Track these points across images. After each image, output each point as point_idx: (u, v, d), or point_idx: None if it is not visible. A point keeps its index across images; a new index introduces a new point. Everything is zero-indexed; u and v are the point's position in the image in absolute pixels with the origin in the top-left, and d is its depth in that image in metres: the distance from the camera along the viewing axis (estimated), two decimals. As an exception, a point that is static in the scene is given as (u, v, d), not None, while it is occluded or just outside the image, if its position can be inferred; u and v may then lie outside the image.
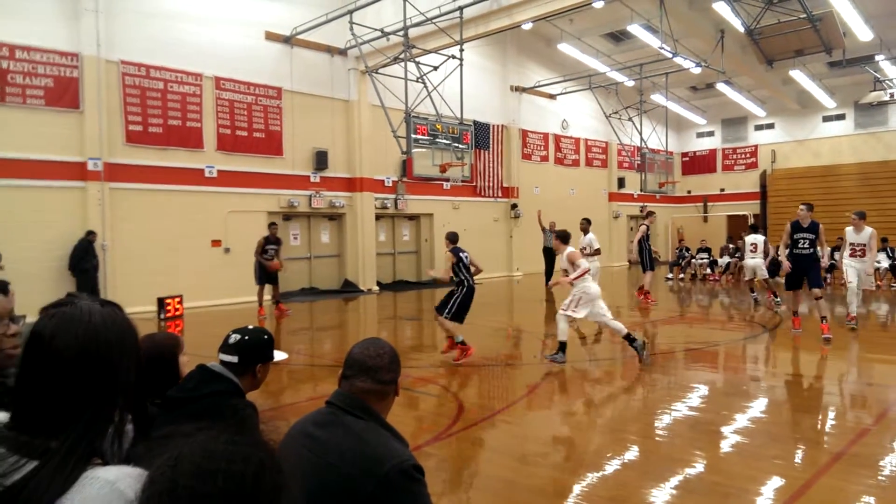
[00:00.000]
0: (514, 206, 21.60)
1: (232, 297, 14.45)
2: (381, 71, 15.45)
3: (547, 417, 5.84)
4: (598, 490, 4.12)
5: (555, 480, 4.24)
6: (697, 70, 19.62)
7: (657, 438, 5.11)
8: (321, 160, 16.41)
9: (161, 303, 12.41)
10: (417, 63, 14.41)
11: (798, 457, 4.58)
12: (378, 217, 17.98)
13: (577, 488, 4.12)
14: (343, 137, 17.10)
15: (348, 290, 16.93)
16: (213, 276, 14.36)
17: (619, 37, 21.04)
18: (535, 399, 6.36)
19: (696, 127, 29.39)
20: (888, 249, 16.71)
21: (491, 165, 20.96)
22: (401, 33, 14.24)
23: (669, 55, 17.19)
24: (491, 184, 20.97)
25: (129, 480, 1.06)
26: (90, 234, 12.43)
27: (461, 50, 14.18)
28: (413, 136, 13.52)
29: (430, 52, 14.90)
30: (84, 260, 12.27)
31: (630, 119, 22.20)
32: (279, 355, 2.71)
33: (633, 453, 4.74)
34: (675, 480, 4.18)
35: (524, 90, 22.03)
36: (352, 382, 1.86)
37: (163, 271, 13.40)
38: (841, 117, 25.56)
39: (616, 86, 22.63)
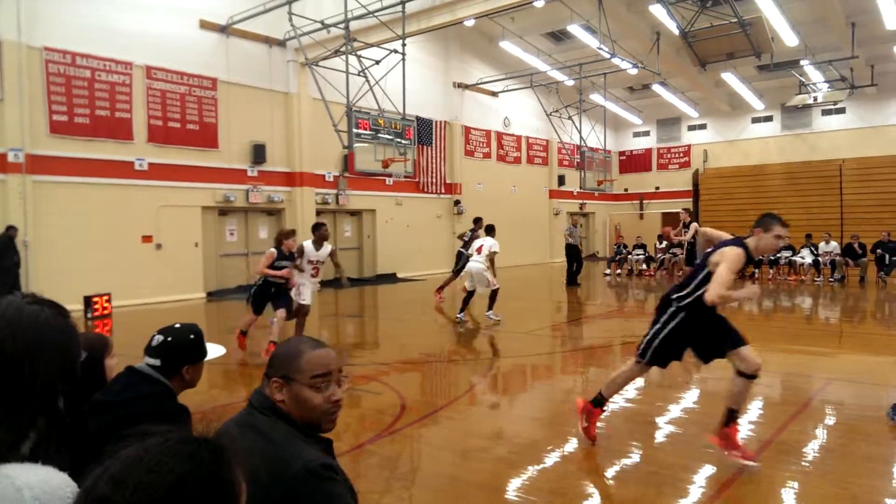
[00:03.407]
0: (457, 203, 21.66)
1: (164, 295, 13.93)
2: (321, 64, 15.18)
3: (489, 412, 5.86)
4: (539, 483, 4.15)
5: (497, 475, 4.24)
6: (634, 71, 20.16)
7: (596, 431, 5.19)
8: (259, 154, 15.99)
9: (88, 301, 11.84)
10: (359, 57, 14.23)
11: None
12: (319, 212, 17.66)
13: (518, 482, 4.13)
14: (282, 131, 16.71)
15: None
16: (143, 273, 13.79)
17: (559, 36, 21.37)
18: (477, 394, 6.37)
19: (633, 126, 30.22)
20: (811, 246, 17.61)
21: (434, 161, 20.95)
22: (342, 26, 14.02)
23: (608, 56, 17.59)
24: (434, 180, 20.95)
25: (33, 480, 1.00)
26: (10, 230, 11.70)
27: (403, 45, 14.10)
28: (355, 130, 13.35)
29: (371, 45, 14.75)
30: (4, 257, 11.53)
31: (570, 118, 22.62)
32: (215, 350, 2.61)
33: (572, 445, 4.80)
34: (612, 471, 4.25)
35: (467, 87, 22.11)
36: (267, 381, 1.78)
37: (90, 268, 12.76)
38: (769, 119, 26.79)
39: (556, 85, 23.00)
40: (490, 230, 11.22)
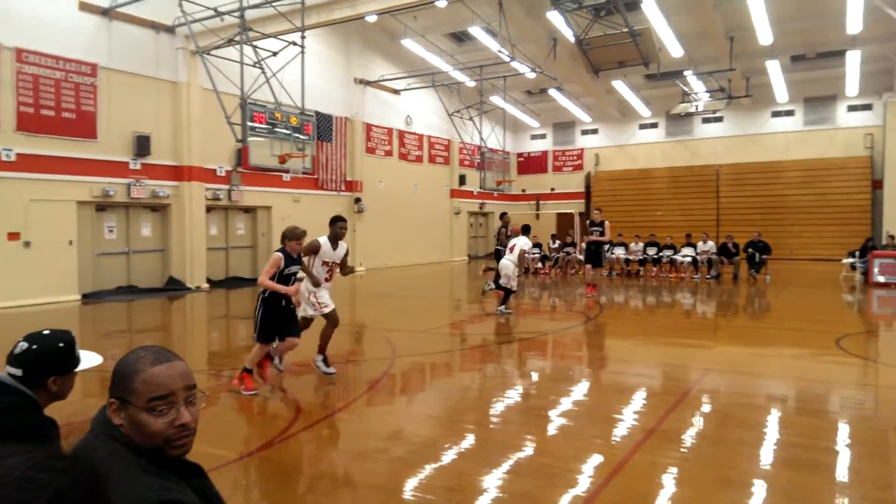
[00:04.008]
0: (357, 201, 21.38)
1: (33, 297, 12.76)
2: (214, 53, 14.45)
3: (387, 412, 5.78)
4: (435, 481, 4.13)
5: (394, 475, 4.18)
6: (533, 75, 20.77)
7: (491, 426, 5.25)
8: (143, 146, 14.99)
9: (-60, 305, 10.62)
10: (255, 47, 13.68)
11: (616, 435, 4.93)
12: (209, 209, 16.83)
13: (415, 481, 4.09)
14: (169, 122, 15.76)
15: (173, 287, 15.64)
16: (9, 273, 12.55)
17: (461, 37, 21.64)
18: (375, 395, 6.27)
19: (531, 129, 31.16)
20: (692, 245, 18.87)
21: (334, 158, 20.56)
22: (236, 14, 13.42)
23: (507, 59, 17.99)
24: (334, 177, 20.56)
25: None
26: None
27: (303, 37, 13.70)
28: (249, 123, 12.80)
29: (268, 36, 14.21)
30: None
31: (471, 118, 22.95)
32: (91, 359, 2.34)
33: (469, 442, 4.83)
34: (507, 465, 4.30)
35: (368, 83, 21.87)
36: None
37: (-57, 268, 11.46)
38: (655, 126, 28.48)
39: (458, 85, 23.27)
40: (525, 230, 11.84)
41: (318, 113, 18.14)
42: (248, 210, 18.45)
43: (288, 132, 13.41)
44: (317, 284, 6.56)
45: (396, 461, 4.43)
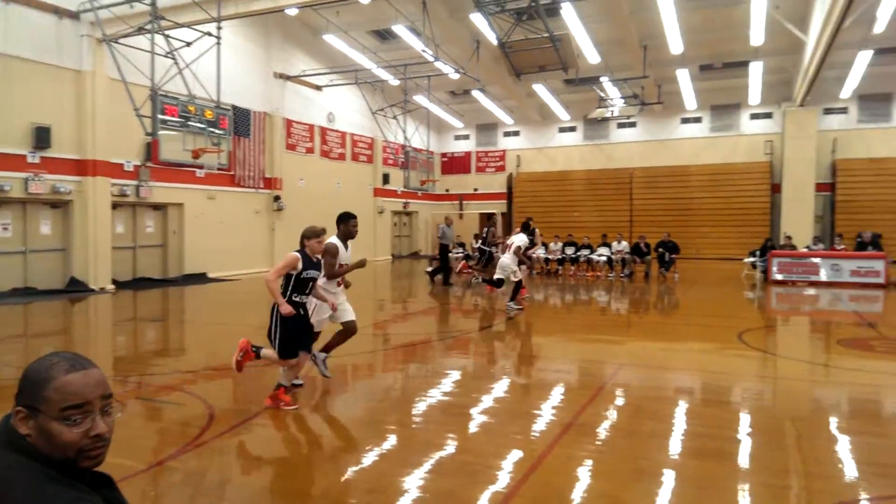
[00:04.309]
0: (276, 198, 20.82)
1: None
2: (122, 41, 13.68)
3: (307, 416, 5.64)
4: (358, 483, 4.06)
5: (314, 480, 4.08)
6: (456, 76, 20.90)
7: (413, 426, 5.23)
8: (42, 138, 13.97)
9: None
10: (167, 37, 13.05)
11: (535, 431, 5.02)
12: (115, 206, 15.89)
13: (335, 484, 4.00)
14: (72, 113, 14.77)
15: (75, 289, 14.66)
16: None
17: (385, 35, 21.50)
18: (294, 398, 6.10)
19: (454, 130, 31.39)
20: (608, 245, 19.56)
21: (252, 154, 19.92)
22: (147, 1, 12.75)
23: (431, 59, 18.03)
24: (252, 174, 19.93)
25: None
26: None
27: (219, 28, 13.19)
28: (160, 116, 12.22)
29: (182, 26, 13.59)
30: None
31: (395, 117, 22.84)
32: None
33: (390, 443, 4.78)
34: (429, 465, 4.29)
35: (289, 78, 21.34)
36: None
37: None
38: (573, 129, 29.35)
39: (382, 83, 23.11)
40: (525, 227, 12.50)
41: (235, 107, 17.55)
42: (158, 207, 17.57)
43: (202, 126, 12.89)
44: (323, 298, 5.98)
45: (316, 465, 4.33)
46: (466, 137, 31.64)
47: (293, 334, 5.41)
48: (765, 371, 7.62)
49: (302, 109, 22.34)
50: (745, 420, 5.38)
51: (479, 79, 21.39)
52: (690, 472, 4.21)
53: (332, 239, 6.05)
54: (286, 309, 5.27)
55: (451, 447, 4.67)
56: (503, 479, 4.05)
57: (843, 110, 24.94)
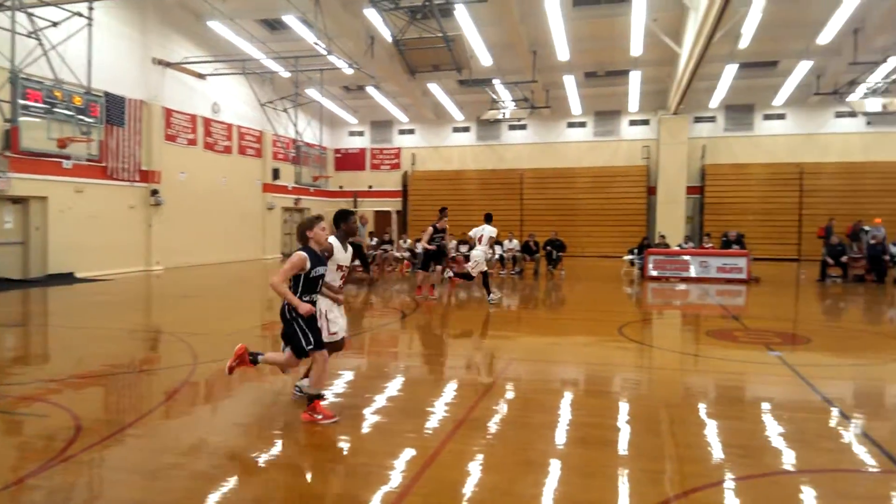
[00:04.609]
0: (154, 192, 19.53)
1: None
2: (-27, 14, 12.30)
3: (187, 424, 5.31)
4: (242, 493, 3.87)
5: (193, 492, 3.83)
6: (350, 71, 20.60)
7: (305, 430, 5.06)
8: None
9: None
10: (30, 15, 11.87)
11: (428, 428, 5.02)
12: (-31, 198, 14.28)
13: (218, 497, 3.79)
14: (-88, 92, 13.08)
15: (-79, 290, 13.04)
16: None
17: (274, 25, 20.76)
18: (174, 406, 5.74)
19: (349, 126, 30.97)
20: (500, 243, 20.06)
21: (127, 145, 18.55)
22: (3, -29, 11.55)
23: (324, 52, 17.63)
24: (126, 166, 18.56)
25: None
26: None
27: (90, 8, 12.21)
28: (22, 101, 11.11)
29: (48, 4, 12.41)
30: None
31: (286, 110, 22.16)
32: None
33: (277, 449, 4.60)
34: (321, 469, 4.17)
35: (169, 65, 20.08)
36: None
37: None
38: (467, 129, 29.85)
39: (272, 75, 22.32)
40: (488, 219, 12.90)
41: (107, 94, 16.29)
42: (19, 201, 15.92)
43: (70, 113, 11.87)
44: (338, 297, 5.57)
45: (197, 477, 4.08)
46: (361, 134, 31.30)
47: (317, 329, 5.09)
48: (642, 361, 8.10)
49: (184, 98, 21.10)
50: (624, 409, 5.67)
51: (374, 75, 21.23)
52: (576, 460, 4.37)
53: (332, 239, 5.53)
54: (306, 308, 4.86)
55: (343, 449, 4.57)
56: (396, 478, 4.01)
57: (712, 119, 27.15)
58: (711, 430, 5.09)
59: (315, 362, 5.07)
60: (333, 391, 6.17)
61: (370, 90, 25.67)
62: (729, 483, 3.98)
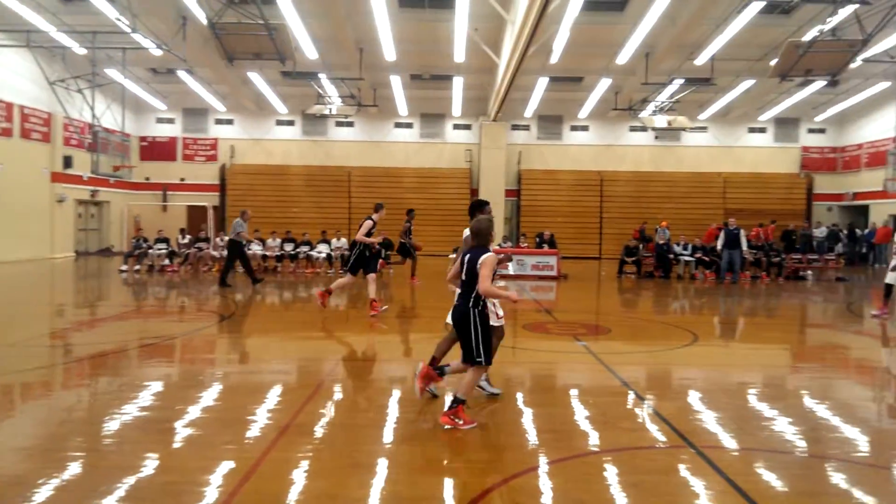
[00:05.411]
0: None
1: None
2: None
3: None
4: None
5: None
6: (158, 52, 18.91)
7: (102, 449, 4.49)
8: None
9: None
10: None
11: (249, 437, 4.72)
12: None
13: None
14: None
15: None
16: None
17: (68, -6, 18.37)
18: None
19: (157, 112, 28.45)
20: (327, 241, 19.70)
21: None
22: None
23: (127, 30, 15.98)
24: None
25: None
26: None
27: None
28: None
29: None
30: None
31: (80, 91, 19.73)
32: None
33: (72, 472, 4.03)
34: (122, 492, 3.71)
35: (-72, 28, 16.89)
36: None
37: None
38: (291, 123, 28.90)
39: (64, 50, 19.74)
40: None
41: None
42: None
43: None
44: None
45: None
46: (171, 121, 28.89)
47: (490, 346, 5.12)
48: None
49: (-52, 69, 17.89)
50: (448, 401, 5.80)
51: (186, 59, 19.68)
52: (403, 457, 4.37)
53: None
54: (516, 295, 4.98)
55: (149, 468, 4.11)
56: (211, 494, 3.70)
57: (527, 127, 29.14)
58: (528, 418, 5.39)
59: (474, 371, 5.10)
60: (138, 405, 5.57)
61: (182, 75, 23.71)
62: (543, 467, 4.22)
